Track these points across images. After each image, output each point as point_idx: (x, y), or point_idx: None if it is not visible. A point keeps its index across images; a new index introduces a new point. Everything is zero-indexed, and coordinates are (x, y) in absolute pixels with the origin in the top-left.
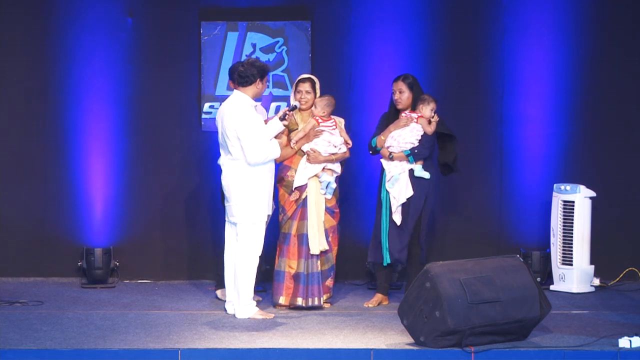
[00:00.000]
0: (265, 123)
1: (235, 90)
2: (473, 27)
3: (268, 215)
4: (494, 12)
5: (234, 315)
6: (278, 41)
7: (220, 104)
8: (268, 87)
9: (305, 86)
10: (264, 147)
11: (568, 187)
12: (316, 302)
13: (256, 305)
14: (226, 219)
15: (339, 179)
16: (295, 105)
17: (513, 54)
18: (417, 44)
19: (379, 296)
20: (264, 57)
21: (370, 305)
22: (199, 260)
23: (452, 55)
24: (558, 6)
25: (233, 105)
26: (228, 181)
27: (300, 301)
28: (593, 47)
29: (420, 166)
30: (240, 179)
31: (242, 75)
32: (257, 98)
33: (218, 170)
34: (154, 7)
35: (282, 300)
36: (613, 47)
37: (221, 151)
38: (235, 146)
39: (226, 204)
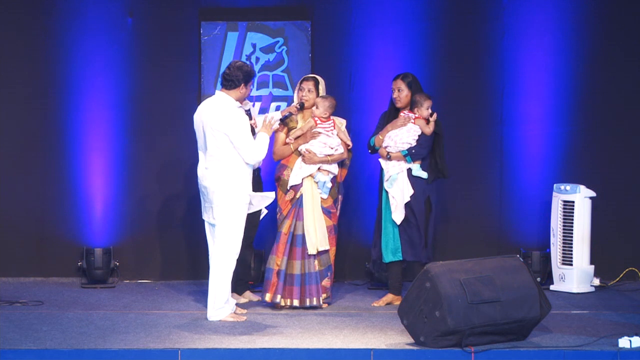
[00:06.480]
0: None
1: (217, 92)
2: (473, 27)
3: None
4: (494, 12)
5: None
6: (278, 41)
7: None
8: (267, 87)
9: (309, 84)
10: (258, 144)
11: (568, 187)
12: (314, 302)
13: (256, 302)
14: (205, 219)
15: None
16: (302, 103)
17: (513, 54)
18: (417, 44)
19: (389, 296)
20: (264, 57)
21: (375, 305)
22: (199, 260)
23: (452, 55)
24: (558, 6)
25: (218, 107)
26: (212, 183)
27: (296, 302)
28: (593, 48)
29: (418, 165)
30: (224, 181)
31: (227, 79)
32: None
33: None
34: (154, 7)
35: (267, 297)
36: (613, 47)
37: (201, 153)
38: (222, 148)
39: (206, 205)
